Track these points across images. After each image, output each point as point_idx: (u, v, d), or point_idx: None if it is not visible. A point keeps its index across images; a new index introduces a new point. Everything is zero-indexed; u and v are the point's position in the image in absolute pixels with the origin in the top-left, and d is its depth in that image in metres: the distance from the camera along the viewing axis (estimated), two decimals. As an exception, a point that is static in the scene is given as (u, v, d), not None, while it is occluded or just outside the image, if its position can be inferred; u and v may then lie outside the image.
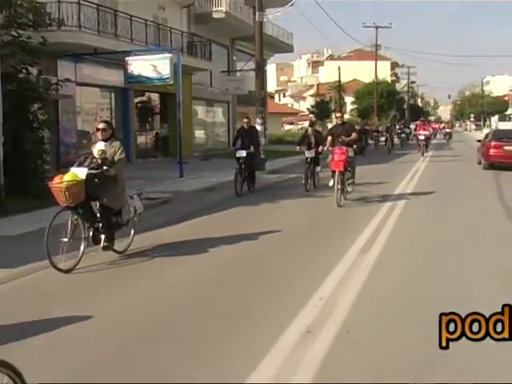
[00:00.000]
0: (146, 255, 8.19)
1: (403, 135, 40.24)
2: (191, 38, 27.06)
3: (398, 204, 12.42)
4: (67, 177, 7.63)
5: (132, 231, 8.60)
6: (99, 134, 8.19)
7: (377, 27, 52.47)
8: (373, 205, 12.54)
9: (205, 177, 17.86)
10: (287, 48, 40.52)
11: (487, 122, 69.87)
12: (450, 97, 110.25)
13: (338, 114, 14.08)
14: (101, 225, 8.01)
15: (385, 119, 50.54)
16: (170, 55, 18.48)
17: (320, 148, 14.70)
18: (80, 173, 7.68)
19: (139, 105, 25.87)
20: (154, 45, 21.84)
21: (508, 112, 63.93)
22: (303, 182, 14.84)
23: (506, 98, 65.57)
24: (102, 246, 7.99)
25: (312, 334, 4.88)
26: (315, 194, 14.19)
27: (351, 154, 12.88)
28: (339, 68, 49.29)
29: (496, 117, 67.35)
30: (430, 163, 24.58)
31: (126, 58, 18.82)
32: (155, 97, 27.02)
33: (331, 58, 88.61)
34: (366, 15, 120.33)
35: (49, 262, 7.23)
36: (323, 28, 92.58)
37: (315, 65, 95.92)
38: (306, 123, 21.61)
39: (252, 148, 14.69)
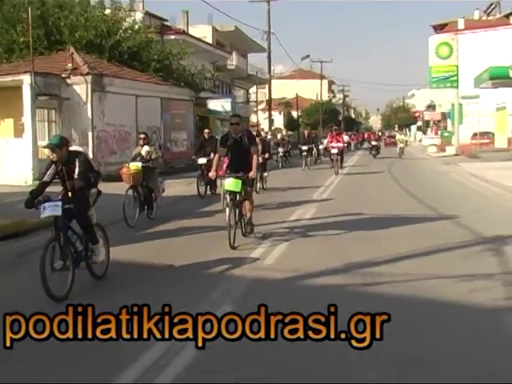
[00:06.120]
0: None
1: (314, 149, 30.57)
2: (214, 82, 44.06)
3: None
4: (132, 167, 11.27)
5: (155, 205, 11.91)
6: (141, 141, 12.08)
7: (322, 62, 70.44)
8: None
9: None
10: (262, 81, 57.41)
11: (408, 132, 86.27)
12: (378, 110, 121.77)
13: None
14: (143, 199, 11.41)
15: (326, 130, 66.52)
16: (231, 99, 35.72)
17: (267, 155, 17.22)
18: (138, 164, 11.37)
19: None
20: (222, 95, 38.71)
21: (419, 124, 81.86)
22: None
23: (417, 115, 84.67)
24: (146, 213, 11.55)
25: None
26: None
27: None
28: (297, 96, 66.42)
29: (415, 126, 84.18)
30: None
31: (207, 101, 35.33)
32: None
33: (277, 77, 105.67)
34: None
35: (124, 221, 10.80)
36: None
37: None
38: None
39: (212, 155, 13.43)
